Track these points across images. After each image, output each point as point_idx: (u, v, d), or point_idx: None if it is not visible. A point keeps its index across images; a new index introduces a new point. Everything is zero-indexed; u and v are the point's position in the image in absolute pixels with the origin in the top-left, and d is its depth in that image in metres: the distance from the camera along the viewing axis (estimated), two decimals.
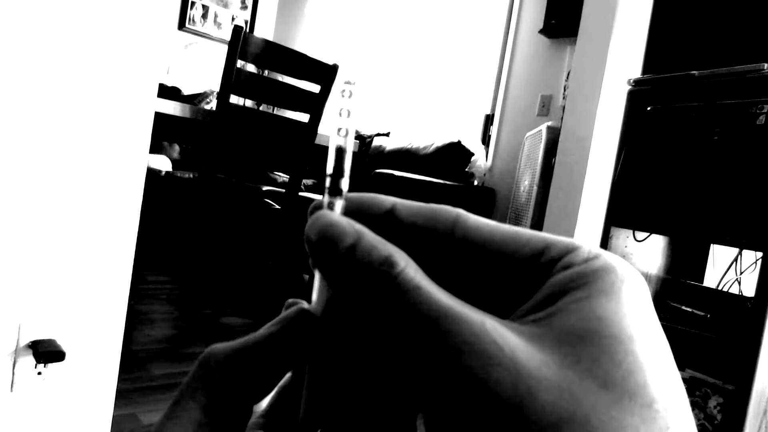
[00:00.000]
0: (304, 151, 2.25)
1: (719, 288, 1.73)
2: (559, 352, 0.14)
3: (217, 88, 2.71)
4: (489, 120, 3.29)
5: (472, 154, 3.02)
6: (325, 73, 2.19)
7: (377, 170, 2.79)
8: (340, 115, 0.18)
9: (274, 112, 3.20)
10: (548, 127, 2.43)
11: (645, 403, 0.14)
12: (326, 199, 0.18)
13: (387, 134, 3.70)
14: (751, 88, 1.43)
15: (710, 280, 1.83)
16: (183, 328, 2.12)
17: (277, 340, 0.18)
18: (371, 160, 3.38)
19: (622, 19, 1.70)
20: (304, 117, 2.25)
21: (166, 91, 3.68)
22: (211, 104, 3.81)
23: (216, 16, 4.69)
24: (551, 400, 0.13)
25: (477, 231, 0.17)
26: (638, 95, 1.71)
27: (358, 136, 3.61)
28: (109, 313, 0.98)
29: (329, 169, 0.18)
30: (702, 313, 1.64)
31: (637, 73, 1.75)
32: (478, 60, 3.40)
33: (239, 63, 1.99)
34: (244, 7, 4.85)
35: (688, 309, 1.69)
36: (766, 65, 1.40)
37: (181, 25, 4.53)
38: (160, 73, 0.99)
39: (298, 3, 4.86)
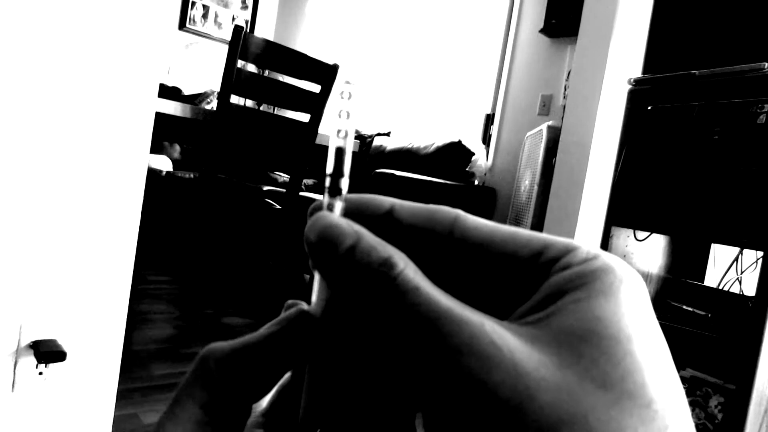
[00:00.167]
0: (304, 151, 2.25)
1: (720, 287, 1.73)
2: (558, 353, 0.14)
3: (217, 88, 2.71)
4: (489, 119, 3.29)
5: (473, 154, 3.02)
6: (326, 73, 2.19)
7: (378, 170, 2.79)
8: (340, 116, 0.18)
9: (275, 112, 3.20)
10: (549, 127, 2.43)
11: (643, 404, 0.14)
12: (326, 200, 0.18)
13: (387, 134, 3.70)
14: (752, 87, 1.43)
15: (711, 280, 1.83)
16: (184, 328, 2.12)
17: (276, 340, 0.18)
18: (372, 160, 3.38)
19: (623, 19, 1.70)
20: (304, 117, 2.25)
21: (167, 91, 3.68)
22: (212, 104, 3.81)
23: (216, 16, 4.69)
24: (550, 400, 0.13)
25: (476, 232, 0.17)
26: (639, 95, 1.71)
27: (359, 136, 3.61)
28: (110, 313, 0.98)
29: (329, 169, 0.18)
30: (703, 313, 1.64)
31: (637, 72, 1.75)
32: (479, 59, 3.39)
33: (240, 63, 1.99)
34: (244, 7, 4.85)
35: (689, 308, 1.69)
36: (766, 64, 1.40)
37: (182, 25, 4.53)
38: (160, 73, 0.99)
39: (298, 3, 4.86)
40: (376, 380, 0.19)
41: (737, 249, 1.67)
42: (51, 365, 0.91)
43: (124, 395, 1.44)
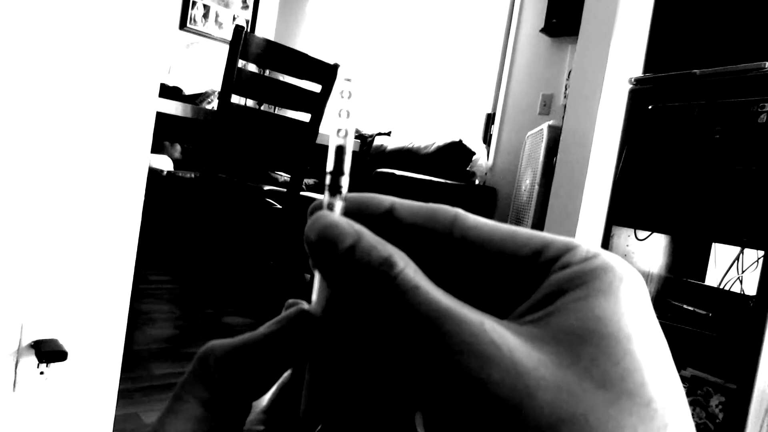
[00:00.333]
0: (305, 150, 2.25)
1: (721, 287, 1.73)
2: (558, 352, 0.14)
3: (218, 87, 2.71)
4: (490, 119, 3.28)
5: (474, 154, 3.02)
6: (327, 73, 2.19)
7: (378, 169, 2.79)
8: (340, 115, 0.18)
9: (276, 112, 3.20)
10: (549, 126, 2.43)
11: (643, 403, 0.14)
12: (326, 199, 0.18)
13: (388, 133, 3.70)
14: (753, 86, 1.42)
15: (712, 279, 1.83)
16: (184, 327, 2.12)
17: (275, 339, 0.18)
18: (372, 160, 3.38)
19: (623, 18, 1.70)
20: (305, 117, 2.25)
21: (168, 91, 3.68)
22: (213, 104, 3.81)
23: (217, 15, 4.69)
24: (550, 400, 0.13)
25: (475, 231, 0.17)
26: (639, 94, 1.71)
27: (360, 136, 3.61)
28: (111, 313, 0.98)
29: (329, 167, 0.18)
30: (704, 312, 1.64)
31: (638, 71, 1.75)
32: (480, 59, 3.39)
33: (240, 63, 1.99)
34: (245, 6, 4.85)
35: (690, 308, 1.69)
36: (767, 64, 1.40)
37: (183, 25, 4.53)
38: (161, 73, 0.99)
39: (299, 2, 4.86)
40: (376, 379, 0.19)
41: (738, 248, 1.67)
42: (52, 365, 0.91)
43: (125, 395, 1.44)
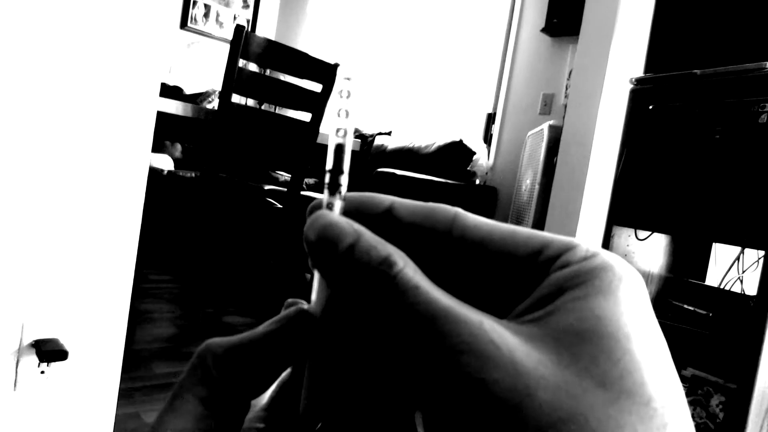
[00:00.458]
0: (306, 150, 2.25)
1: (721, 287, 1.72)
2: (557, 352, 0.14)
3: (219, 87, 2.71)
4: (491, 119, 3.28)
5: (474, 153, 3.02)
6: (327, 72, 2.19)
7: (379, 169, 2.79)
8: (339, 115, 0.18)
9: (276, 112, 3.20)
10: (550, 126, 2.43)
11: (642, 402, 0.14)
12: (325, 198, 0.18)
13: (389, 133, 3.70)
14: (753, 86, 1.42)
15: (712, 279, 1.83)
16: (185, 327, 2.12)
17: (274, 338, 0.18)
18: (373, 159, 3.38)
19: (624, 18, 1.70)
20: (306, 116, 2.25)
21: (169, 91, 3.68)
22: (213, 103, 3.81)
23: (218, 15, 4.69)
24: (549, 399, 0.13)
25: (475, 230, 0.17)
26: (640, 94, 1.71)
27: (360, 135, 3.61)
28: (112, 312, 0.98)
29: (329, 165, 0.18)
30: (704, 312, 1.64)
31: (639, 71, 1.75)
32: (480, 59, 3.39)
33: (241, 62, 1.99)
34: (245, 6, 4.85)
35: (690, 308, 1.69)
36: (767, 64, 1.40)
37: (183, 25, 4.53)
38: (162, 73, 0.99)
39: (299, 2, 4.86)
40: (376, 378, 0.19)
41: (738, 248, 1.67)
42: (53, 364, 0.91)
43: (125, 394, 1.44)
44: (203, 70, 4.57)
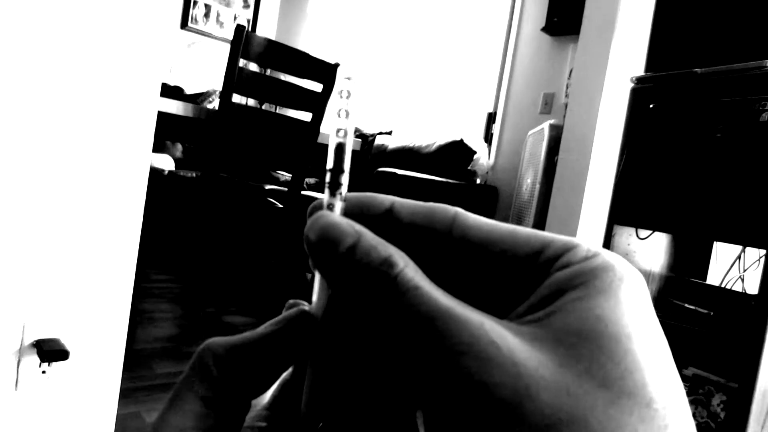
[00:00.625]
0: (306, 149, 2.25)
1: (722, 286, 1.72)
2: (558, 352, 0.14)
3: (219, 87, 2.71)
4: (491, 118, 3.28)
5: (475, 153, 3.01)
6: (328, 72, 2.19)
7: (380, 169, 2.79)
8: (339, 115, 0.18)
9: (277, 111, 3.20)
10: (551, 125, 2.43)
11: (644, 403, 0.14)
12: (326, 199, 0.18)
13: (389, 133, 3.70)
14: (754, 85, 1.42)
15: (713, 278, 1.83)
16: (186, 326, 2.12)
17: (274, 339, 0.18)
18: (374, 159, 3.38)
19: (625, 17, 1.70)
20: (306, 116, 2.25)
21: (169, 91, 3.68)
22: (214, 103, 3.81)
23: (218, 15, 4.69)
24: (550, 400, 0.13)
25: (475, 230, 0.17)
26: (641, 93, 1.71)
27: (361, 135, 3.61)
28: (113, 312, 0.98)
29: (329, 164, 0.18)
30: (705, 311, 1.64)
31: (639, 70, 1.75)
32: (481, 58, 3.39)
33: (242, 62, 1.99)
34: (246, 6, 4.85)
35: (692, 307, 1.69)
36: None
37: (184, 24, 4.53)
38: (162, 73, 0.99)
39: (300, 2, 4.86)
40: (377, 378, 0.19)
41: (740, 247, 1.67)
42: (54, 364, 0.91)
43: (126, 394, 1.44)
44: (204, 70, 4.57)
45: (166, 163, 3.16)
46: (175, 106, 1.87)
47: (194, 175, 2.82)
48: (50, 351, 0.89)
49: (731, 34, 1.55)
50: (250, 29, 4.29)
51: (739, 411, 1.36)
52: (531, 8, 3.10)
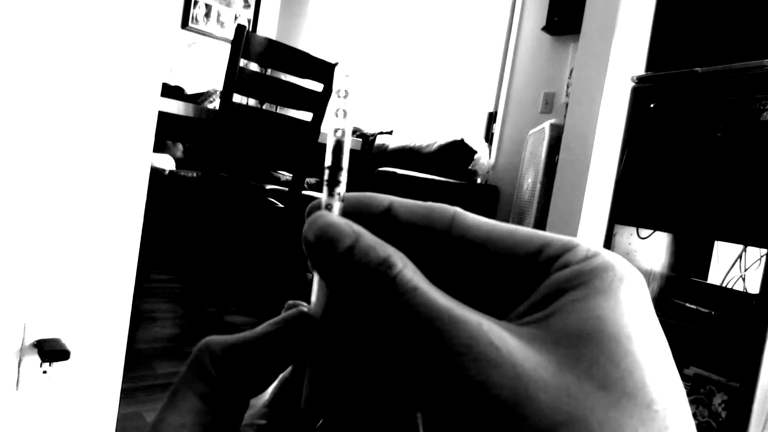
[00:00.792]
0: (307, 149, 2.25)
1: (724, 285, 1.72)
2: (557, 353, 0.14)
3: (220, 87, 2.71)
4: (492, 118, 3.28)
5: (475, 152, 3.01)
6: (328, 72, 2.19)
7: (380, 168, 2.78)
8: (337, 115, 0.18)
9: (277, 111, 3.20)
10: (551, 125, 2.42)
11: (644, 404, 0.14)
12: (324, 199, 0.18)
13: (390, 132, 3.70)
14: (755, 84, 1.42)
15: (714, 277, 1.82)
16: (187, 326, 2.12)
17: (273, 339, 0.18)
18: (374, 159, 3.38)
19: (625, 16, 1.70)
20: (307, 116, 2.25)
21: (170, 91, 3.68)
22: (215, 103, 3.81)
23: (219, 15, 4.69)
24: (549, 401, 0.13)
25: (474, 229, 0.17)
26: (641, 92, 1.70)
27: (361, 135, 3.61)
28: (114, 312, 0.98)
29: (327, 162, 0.18)
30: (706, 311, 1.64)
31: (640, 70, 1.74)
32: (481, 58, 3.39)
33: (242, 62, 1.99)
34: (246, 6, 4.85)
35: (693, 306, 1.69)
36: None
37: (184, 24, 4.53)
38: (163, 73, 0.99)
39: (300, 2, 4.86)
40: (376, 379, 0.19)
41: (741, 246, 1.67)
42: (55, 364, 0.91)
43: (127, 394, 1.45)
44: (204, 70, 4.57)
45: (166, 163, 3.16)
46: (175, 106, 1.87)
47: (195, 175, 2.82)
48: (51, 351, 0.89)
49: (731, 34, 1.55)
50: (250, 29, 4.30)
51: (740, 410, 1.36)
52: (531, 7, 3.10)
